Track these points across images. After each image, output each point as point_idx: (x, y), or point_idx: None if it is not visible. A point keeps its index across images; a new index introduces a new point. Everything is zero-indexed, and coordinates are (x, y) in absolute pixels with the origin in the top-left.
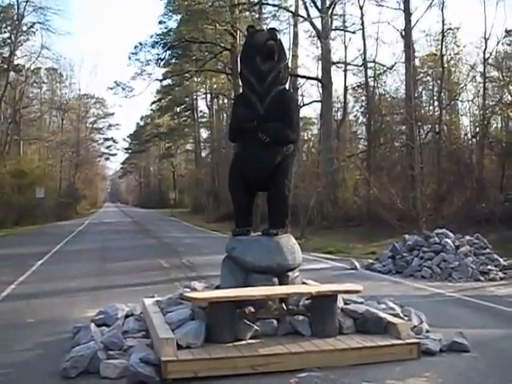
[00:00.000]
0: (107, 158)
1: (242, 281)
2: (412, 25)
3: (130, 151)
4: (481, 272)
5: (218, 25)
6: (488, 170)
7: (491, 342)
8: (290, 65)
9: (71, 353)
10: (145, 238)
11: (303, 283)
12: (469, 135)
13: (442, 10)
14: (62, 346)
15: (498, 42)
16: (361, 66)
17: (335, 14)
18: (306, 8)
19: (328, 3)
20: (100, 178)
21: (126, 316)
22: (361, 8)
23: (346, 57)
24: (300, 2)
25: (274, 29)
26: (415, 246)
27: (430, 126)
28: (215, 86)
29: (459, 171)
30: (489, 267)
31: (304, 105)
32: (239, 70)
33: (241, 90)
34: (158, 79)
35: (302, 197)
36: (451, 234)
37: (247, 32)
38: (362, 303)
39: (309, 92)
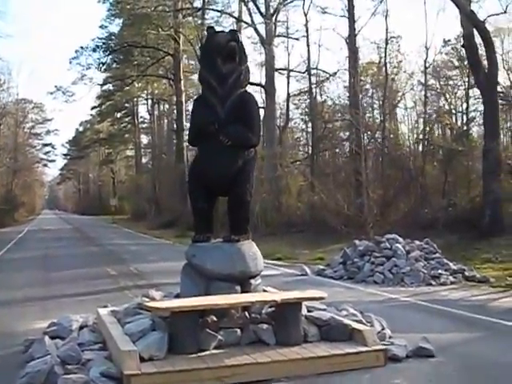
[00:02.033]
0: (45, 165)
1: (203, 289)
2: (356, 32)
3: (68, 157)
4: (432, 276)
5: (161, 29)
6: (430, 177)
7: (454, 346)
8: None
9: (26, 368)
10: (88, 245)
11: (264, 291)
12: (407, 142)
13: (385, 19)
14: (13, 360)
15: (439, 52)
16: (304, 72)
17: (279, 21)
18: (250, 14)
19: (272, 10)
20: (38, 185)
21: (80, 327)
22: (305, 15)
23: (288, 63)
24: (244, 8)
25: (235, 30)
26: (366, 252)
27: (371, 132)
28: (156, 91)
29: (403, 177)
30: (439, 271)
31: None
32: (198, 71)
33: (181, 95)
34: (98, 84)
35: None
36: (401, 239)
37: (207, 33)
38: (325, 310)
39: None
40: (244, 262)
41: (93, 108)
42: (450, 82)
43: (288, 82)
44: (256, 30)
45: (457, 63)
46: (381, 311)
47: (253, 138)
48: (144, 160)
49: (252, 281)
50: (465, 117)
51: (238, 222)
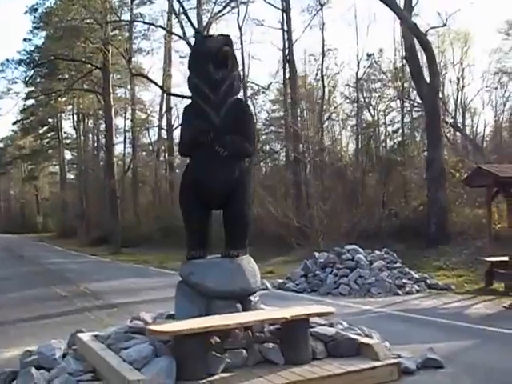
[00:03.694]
0: None
1: (203, 309)
2: (293, 44)
3: None
4: (397, 286)
5: (90, 43)
6: (370, 187)
7: (457, 355)
8: (164, 85)
9: None
10: (24, 264)
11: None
12: (346, 154)
13: (322, 31)
14: None
15: (369, 65)
16: None
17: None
18: (182, 27)
19: (205, 23)
20: None
21: (63, 355)
22: (240, 28)
23: None
24: (174, 21)
25: (227, 35)
26: (328, 263)
27: (309, 142)
28: (82, 106)
29: (344, 189)
30: (403, 281)
31: (180, 124)
32: (188, 78)
33: (111, 109)
34: (23, 98)
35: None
36: (361, 250)
37: (195, 38)
38: (326, 325)
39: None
40: (244, 279)
41: (15, 123)
42: (374, 95)
43: None
44: (188, 43)
45: (379, 76)
46: (362, 323)
47: (249, 148)
48: (70, 176)
49: (251, 298)
50: (390, 128)
51: (237, 236)
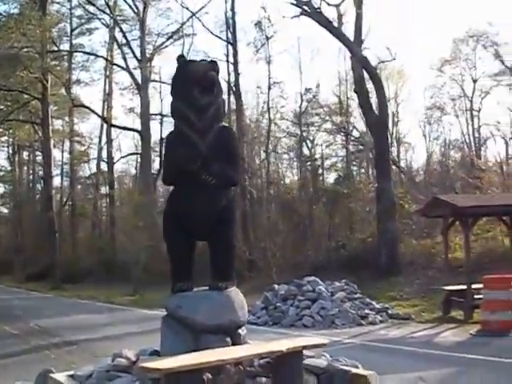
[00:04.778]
0: None
1: (192, 344)
2: (239, 76)
3: None
4: (360, 316)
5: (29, 72)
6: (317, 220)
7: (447, 382)
8: (105, 116)
9: None
10: None
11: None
12: (293, 186)
13: (268, 64)
14: None
15: (311, 99)
16: None
17: (153, 66)
18: (125, 58)
19: (148, 54)
20: None
21: None
22: None
23: (161, 109)
24: (115, 53)
25: (214, 60)
26: (288, 296)
27: (256, 176)
28: (17, 137)
29: (293, 221)
30: (366, 311)
31: (122, 157)
32: (170, 104)
33: (49, 140)
34: None
35: (130, 251)
36: (321, 282)
37: (178, 62)
38: (315, 357)
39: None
40: (233, 312)
41: None
42: (313, 128)
43: (161, 128)
44: (131, 74)
45: (318, 110)
46: (337, 355)
47: (236, 177)
48: (2, 210)
49: (240, 331)
50: (329, 161)
51: (224, 268)
